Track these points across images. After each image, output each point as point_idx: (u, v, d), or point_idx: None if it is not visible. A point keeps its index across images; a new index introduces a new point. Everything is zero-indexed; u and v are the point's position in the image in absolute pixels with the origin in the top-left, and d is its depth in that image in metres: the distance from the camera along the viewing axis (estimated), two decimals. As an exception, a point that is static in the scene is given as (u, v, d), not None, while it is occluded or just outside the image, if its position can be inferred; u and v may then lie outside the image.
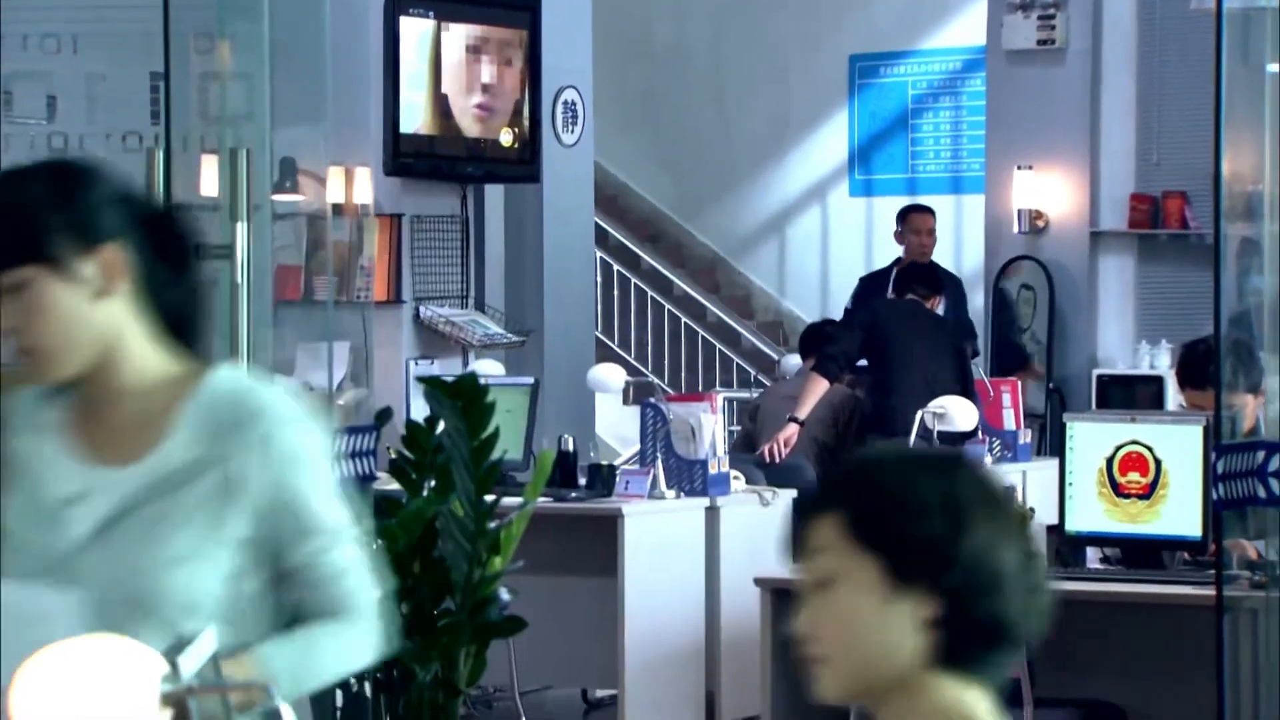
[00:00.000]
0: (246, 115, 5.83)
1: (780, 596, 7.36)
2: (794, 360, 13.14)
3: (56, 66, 5.82)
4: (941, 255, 14.01)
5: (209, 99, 6.02)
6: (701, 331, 17.17)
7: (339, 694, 6.54)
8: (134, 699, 2.53)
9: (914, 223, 12.72)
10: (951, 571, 2.61)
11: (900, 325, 11.21)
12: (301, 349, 9.15)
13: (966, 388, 10.91)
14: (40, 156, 5.89)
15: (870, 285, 12.93)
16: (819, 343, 11.61)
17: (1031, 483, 10.36)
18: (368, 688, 6.64)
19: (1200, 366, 8.33)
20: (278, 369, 7.36)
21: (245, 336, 5.44)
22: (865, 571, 2.63)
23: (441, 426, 6.99)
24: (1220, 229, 6.19)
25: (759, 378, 16.54)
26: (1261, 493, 5.91)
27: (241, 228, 5.36)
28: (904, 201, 16.02)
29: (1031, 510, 8.10)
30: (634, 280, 17.19)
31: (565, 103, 13.24)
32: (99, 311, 3.44)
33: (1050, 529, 7.78)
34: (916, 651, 2.63)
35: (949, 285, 12.07)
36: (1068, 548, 7.72)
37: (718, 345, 17.08)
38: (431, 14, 12.28)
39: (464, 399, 6.81)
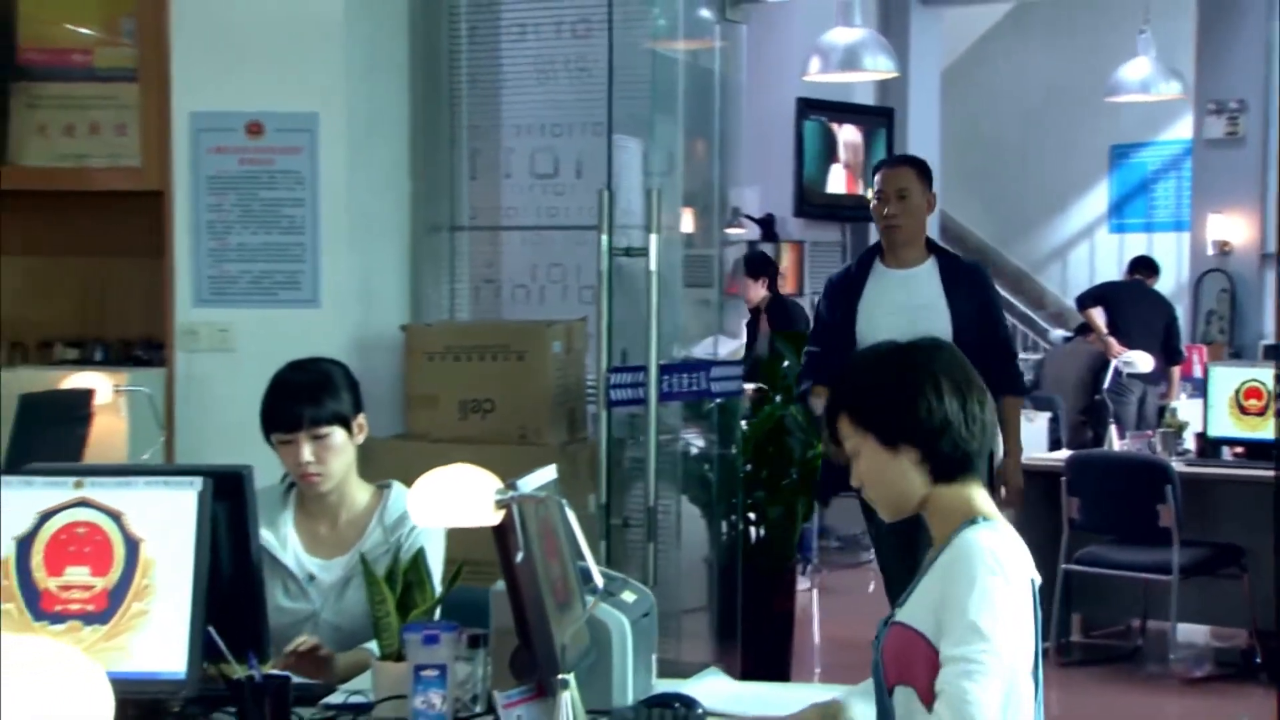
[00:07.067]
0: (665, 172, 5.79)
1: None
2: (1057, 333, 13.11)
3: (557, 144, 5.83)
4: (1167, 272, 13.88)
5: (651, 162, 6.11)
6: (1010, 318, 17.00)
7: (723, 525, 6.30)
8: (481, 500, 2.56)
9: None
10: (915, 430, 2.61)
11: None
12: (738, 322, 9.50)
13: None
14: (536, 211, 6.00)
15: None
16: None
17: (1197, 407, 10.22)
18: (740, 522, 6.52)
19: None
20: (718, 331, 7.40)
21: (654, 307, 5.31)
22: (870, 443, 2.64)
23: (786, 363, 7.25)
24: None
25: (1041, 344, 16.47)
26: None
27: (654, 238, 5.31)
28: (1145, 238, 15.90)
29: (1185, 423, 8.08)
30: (967, 287, 17.03)
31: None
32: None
33: (1198, 435, 7.69)
34: (923, 479, 2.63)
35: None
36: (1210, 446, 7.60)
37: (1019, 326, 16.99)
38: (825, 117, 12.59)
39: (798, 344, 6.99)
